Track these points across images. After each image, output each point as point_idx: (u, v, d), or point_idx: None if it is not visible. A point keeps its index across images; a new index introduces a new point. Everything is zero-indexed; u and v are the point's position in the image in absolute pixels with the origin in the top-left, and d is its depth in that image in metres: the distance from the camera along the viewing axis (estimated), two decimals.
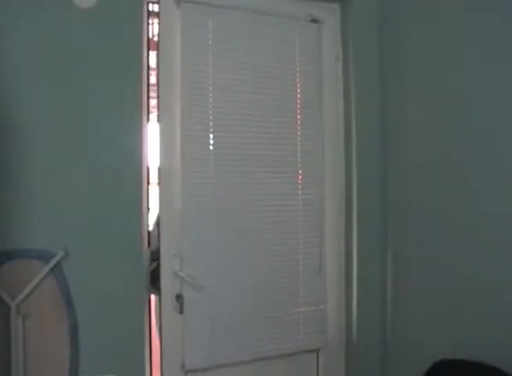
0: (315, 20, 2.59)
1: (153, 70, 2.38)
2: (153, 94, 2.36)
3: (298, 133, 2.52)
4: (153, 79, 2.37)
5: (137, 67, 2.22)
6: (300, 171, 2.52)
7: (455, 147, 2.17)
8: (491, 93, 2.00)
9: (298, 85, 2.52)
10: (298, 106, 2.52)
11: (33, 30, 2.11)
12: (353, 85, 2.54)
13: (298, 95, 2.52)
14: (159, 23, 2.30)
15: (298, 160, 2.52)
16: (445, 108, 2.22)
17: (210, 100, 2.32)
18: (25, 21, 2.10)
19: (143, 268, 2.26)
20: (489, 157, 2.02)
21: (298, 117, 2.52)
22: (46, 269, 2.11)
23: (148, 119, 2.33)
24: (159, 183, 2.29)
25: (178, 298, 2.29)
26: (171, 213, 2.29)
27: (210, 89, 2.32)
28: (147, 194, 2.31)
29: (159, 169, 2.28)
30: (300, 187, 2.52)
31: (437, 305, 2.24)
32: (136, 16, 2.24)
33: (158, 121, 2.30)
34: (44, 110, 2.12)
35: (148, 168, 2.30)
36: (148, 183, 2.30)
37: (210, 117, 2.32)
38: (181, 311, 2.29)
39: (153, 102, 2.39)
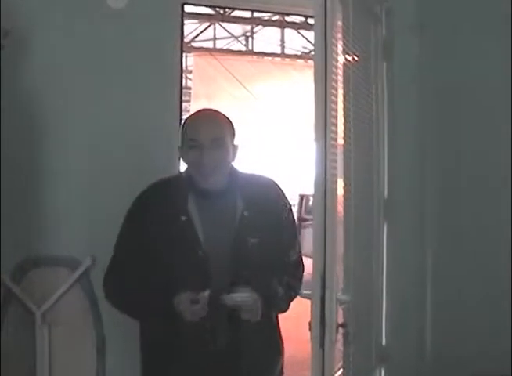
0: None
1: (187, 72, 2.33)
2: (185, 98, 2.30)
3: None
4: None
5: (171, 69, 2.18)
6: None
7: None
8: None
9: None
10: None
11: (68, 30, 2.08)
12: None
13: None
14: None
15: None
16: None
17: None
18: (61, 21, 2.08)
19: None
20: None
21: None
22: (73, 278, 2.05)
23: (180, 121, 2.26)
24: None
25: None
26: None
27: None
28: None
29: None
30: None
31: (475, 320, 2.18)
32: (170, 17, 2.19)
33: None
34: (75, 113, 2.09)
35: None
36: None
37: None
38: None
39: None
